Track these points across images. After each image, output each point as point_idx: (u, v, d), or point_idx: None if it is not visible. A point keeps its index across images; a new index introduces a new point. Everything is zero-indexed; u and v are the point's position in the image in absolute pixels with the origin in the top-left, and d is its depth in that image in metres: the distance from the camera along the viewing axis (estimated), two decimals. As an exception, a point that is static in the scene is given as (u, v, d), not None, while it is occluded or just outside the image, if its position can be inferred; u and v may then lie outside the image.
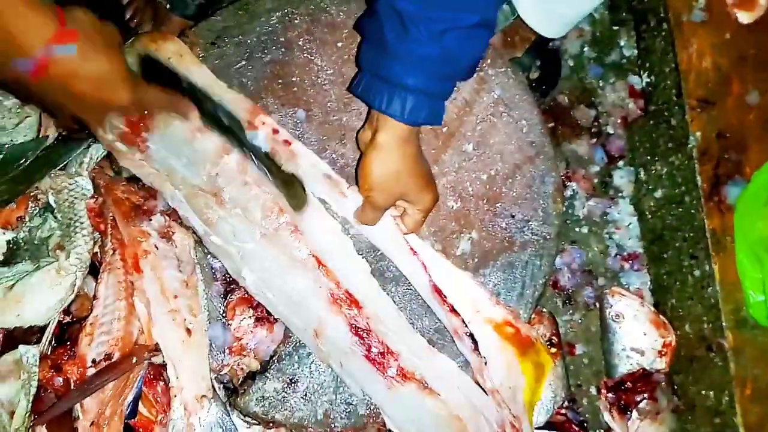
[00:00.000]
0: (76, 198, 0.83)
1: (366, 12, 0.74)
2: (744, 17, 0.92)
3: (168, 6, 1.00)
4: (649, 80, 1.01)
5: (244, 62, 0.86)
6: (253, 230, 0.79)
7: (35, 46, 0.60)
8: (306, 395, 0.80)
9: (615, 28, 1.11)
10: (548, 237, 0.87)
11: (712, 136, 0.89)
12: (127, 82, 0.69)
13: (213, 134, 0.79)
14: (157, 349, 0.78)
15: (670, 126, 0.93)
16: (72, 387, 0.76)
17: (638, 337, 0.96)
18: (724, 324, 0.85)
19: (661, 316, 0.96)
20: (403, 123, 0.71)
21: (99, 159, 0.88)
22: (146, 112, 0.79)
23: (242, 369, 0.82)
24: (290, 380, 0.80)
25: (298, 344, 0.81)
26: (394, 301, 0.83)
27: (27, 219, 0.85)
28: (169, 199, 0.82)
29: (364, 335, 0.79)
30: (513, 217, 0.86)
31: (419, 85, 0.69)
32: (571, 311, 1.04)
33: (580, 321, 1.04)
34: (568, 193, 1.06)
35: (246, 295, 0.83)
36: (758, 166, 0.87)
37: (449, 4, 0.67)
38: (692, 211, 0.90)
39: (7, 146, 0.87)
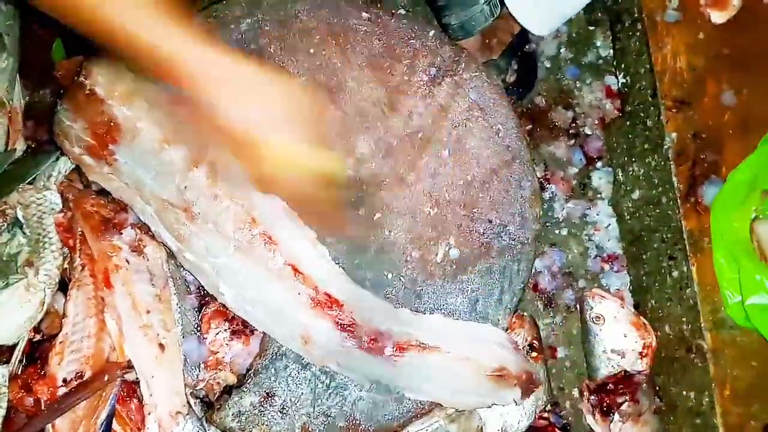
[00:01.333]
0: (44, 213, 0.81)
1: None
2: (717, 17, 0.91)
3: None
4: (624, 81, 1.00)
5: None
6: (227, 244, 0.78)
7: None
8: (283, 408, 0.79)
9: (591, 28, 1.10)
10: (526, 242, 0.86)
11: (688, 137, 0.88)
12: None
13: (180, 146, 0.77)
14: (129, 365, 0.77)
15: (646, 127, 0.93)
16: (43, 407, 0.74)
17: (619, 338, 0.96)
18: (702, 325, 0.85)
19: (641, 318, 0.96)
20: None
21: (67, 172, 0.86)
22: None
23: (218, 383, 0.81)
24: (267, 393, 0.79)
25: (274, 357, 0.80)
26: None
27: (-6, 235, 0.83)
28: (140, 214, 0.80)
29: (352, 329, 0.78)
30: (490, 222, 0.85)
31: None
32: (552, 314, 1.03)
33: (561, 324, 1.03)
34: (547, 195, 1.05)
35: (221, 308, 0.82)
36: (734, 166, 0.87)
37: None
38: (669, 212, 0.89)
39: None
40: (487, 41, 1.03)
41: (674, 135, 0.88)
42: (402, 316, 0.80)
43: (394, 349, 0.78)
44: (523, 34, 1.03)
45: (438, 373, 0.80)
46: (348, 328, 0.78)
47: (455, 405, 0.83)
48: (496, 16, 0.98)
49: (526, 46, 1.05)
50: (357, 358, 0.78)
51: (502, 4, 0.99)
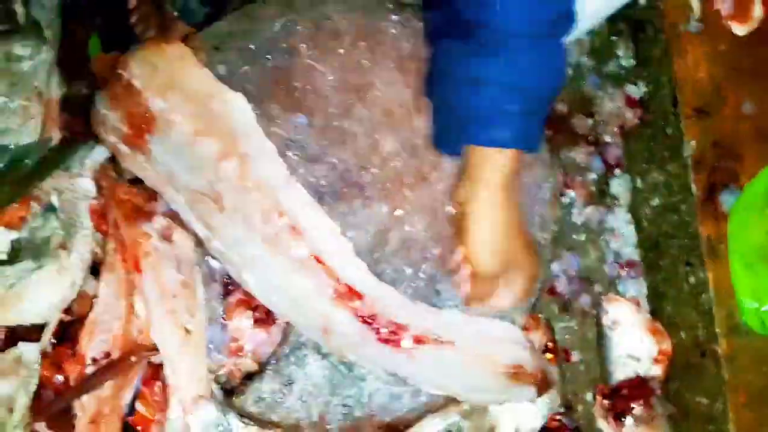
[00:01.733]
0: (78, 199, 0.84)
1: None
2: (738, 29, 0.93)
3: (177, 14, 1.01)
4: (645, 90, 1.02)
5: (247, 68, 0.87)
6: (254, 236, 0.80)
7: None
8: (302, 396, 0.80)
9: (613, 38, 1.12)
10: (544, 242, 0.88)
11: (707, 145, 0.90)
12: None
13: (211, 138, 0.80)
14: (155, 348, 0.79)
15: (666, 135, 0.95)
16: (71, 384, 0.77)
17: (634, 344, 0.97)
18: (717, 331, 0.86)
19: (657, 323, 0.97)
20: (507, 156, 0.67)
21: (102, 161, 0.89)
22: None
23: (240, 370, 0.83)
24: (287, 381, 0.80)
25: (295, 346, 0.82)
26: (392, 305, 0.84)
27: (29, 219, 0.86)
28: (171, 203, 0.83)
29: (371, 321, 0.79)
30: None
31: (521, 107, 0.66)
32: (567, 318, 1.04)
33: (576, 328, 1.04)
34: (566, 200, 1.07)
35: (245, 297, 0.84)
36: (752, 175, 0.88)
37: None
38: (687, 218, 0.91)
39: (11, 147, 0.88)
40: None
41: (693, 143, 0.90)
42: (419, 310, 0.82)
43: (412, 341, 0.80)
44: None
45: (453, 367, 0.82)
46: (368, 320, 0.79)
47: (470, 400, 0.84)
48: None
49: None
50: (375, 350, 0.80)
51: None
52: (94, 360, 0.77)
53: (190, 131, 0.82)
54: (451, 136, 0.75)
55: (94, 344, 0.77)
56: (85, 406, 0.77)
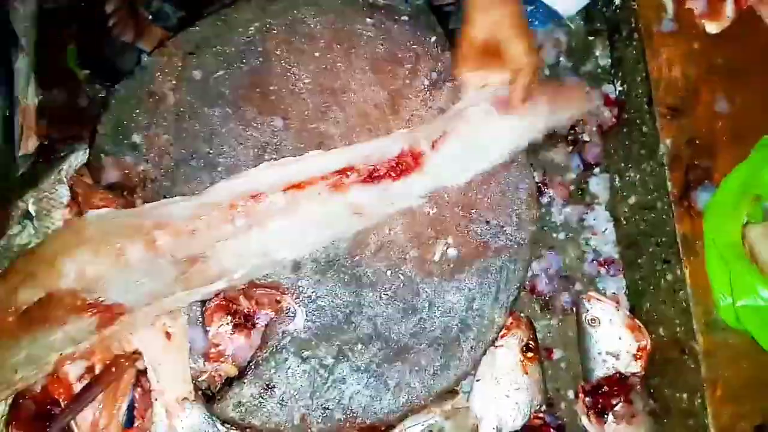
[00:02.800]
0: (54, 207, 0.84)
1: None
2: (712, 27, 0.94)
3: (150, 17, 1.01)
4: (621, 89, 1.03)
5: (222, 72, 0.87)
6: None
7: None
8: (282, 400, 0.80)
9: (590, 38, 1.13)
10: (522, 242, 0.88)
11: (682, 144, 0.90)
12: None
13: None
14: (136, 354, 0.79)
15: (642, 133, 0.95)
16: (62, 406, 0.76)
17: (614, 341, 0.97)
18: (695, 327, 0.86)
19: (636, 320, 0.98)
20: None
21: (78, 167, 0.89)
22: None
23: (220, 375, 0.83)
24: (267, 385, 0.80)
25: (275, 350, 0.82)
26: (371, 306, 0.84)
27: (6, 227, 0.86)
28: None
29: (374, 173, 0.83)
30: (488, 223, 0.88)
31: None
32: (548, 316, 1.05)
33: (557, 326, 1.05)
34: (546, 200, 1.07)
35: (223, 302, 0.84)
36: (727, 172, 0.89)
37: None
38: (664, 216, 0.91)
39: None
40: None
41: (669, 141, 0.90)
42: (400, 135, 0.86)
43: (431, 147, 0.84)
44: None
45: (471, 143, 0.85)
46: (371, 176, 0.82)
47: (492, 164, 0.88)
48: None
49: None
50: (397, 188, 0.83)
51: None
52: (79, 378, 0.77)
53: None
54: None
55: (74, 362, 0.77)
56: (80, 423, 0.76)
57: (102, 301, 0.73)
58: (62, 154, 0.91)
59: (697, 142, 0.91)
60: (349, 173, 0.81)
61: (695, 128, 0.91)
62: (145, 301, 0.75)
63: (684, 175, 0.90)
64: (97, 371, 0.77)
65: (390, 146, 0.83)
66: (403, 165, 0.83)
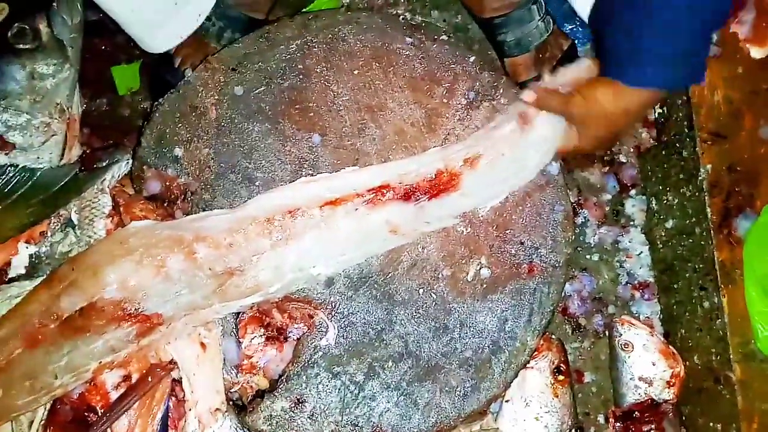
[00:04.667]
0: (96, 216, 0.86)
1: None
2: (756, 52, 0.92)
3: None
4: (661, 111, 1.02)
5: (262, 88, 0.89)
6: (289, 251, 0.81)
7: None
8: (312, 415, 0.81)
9: (629, 58, 1.12)
10: (557, 265, 0.88)
11: (723, 169, 0.89)
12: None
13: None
14: (171, 364, 0.80)
15: (682, 157, 0.94)
16: (99, 413, 0.78)
17: (647, 366, 0.96)
18: (731, 357, 0.85)
19: (670, 347, 0.96)
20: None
21: (121, 177, 0.91)
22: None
23: (252, 387, 0.84)
24: (298, 400, 0.81)
25: (306, 364, 0.82)
26: (403, 324, 0.85)
27: (49, 234, 0.88)
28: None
29: (410, 191, 0.83)
30: (522, 243, 0.87)
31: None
32: (580, 338, 1.04)
33: (589, 349, 1.04)
34: (580, 220, 1.07)
35: (257, 314, 0.85)
36: (769, 200, 0.87)
37: None
38: (702, 242, 0.90)
39: (37, 171, 0.90)
40: (540, 56, 1.05)
41: (709, 167, 0.89)
42: (435, 154, 0.86)
43: (468, 166, 0.84)
44: (573, 49, 1.06)
45: (505, 163, 0.85)
46: (407, 194, 0.82)
47: (525, 180, 0.88)
48: (549, 32, 1.01)
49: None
50: (433, 207, 0.83)
51: (554, 19, 1.02)
52: (116, 386, 0.78)
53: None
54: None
55: (112, 370, 0.78)
56: (117, 430, 0.78)
57: (142, 311, 0.75)
58: (105, 164, 0.93)
59: (739, 168, 0.89)
60: (385, 191, 0.82)
61: (737, 154, 0.89)
62: (183, 312, 0.77)
63: (724, 202, 0.88)
64: (133, 380, 0.78)
65: (427, 165, 0.83)
66: (440, 184, 0.83)
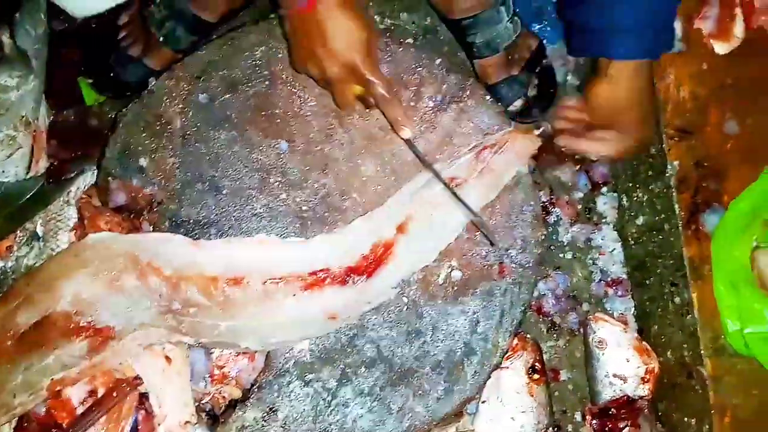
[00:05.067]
0: (60, 228, 0.85)
1: None
2: (720, 48, 0.93)
3: (161, 39, 1.02)
4: (629, 108, 1.02)
5: (228, 95, 0.88)
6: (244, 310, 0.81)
7: None
8: (285, 424, 0.81)
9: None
10: (527, 265, 0.88)
11: (690, 165, 0.89)
12: (371, 50, 0.76)
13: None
14: (138, 378, 0.79)
15: (650, 154, 0.94)
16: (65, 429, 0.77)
17: (621, 363, 0.96)
18: (702, 352, 0.85)
19: (644, 343, 0.97)
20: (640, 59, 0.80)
21: (86, 188, 0.90)
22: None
23: (224, 397, 0.84)
24: (270, 409, 0.81)
25: (278, 373, 0.82)
26: (375, 329, 0.84)
27: (15, 248, 0.87)
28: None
29: (348, 273, 0.82)
30: (492, 245, 0.87)
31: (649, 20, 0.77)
32: (555, 337, 1.04)
33: (564, 347, 1.04)
34: (552, 219, 1.07)
35: (228, 324, 0.84)
36: (736, 195, 0.88)
37: None
38: (671, 238, 0.90)
39: (4, 184, 0.90)
40: (509, 57, 1.05)
41: (676, 163, 0.89)
42: (366, 226, 0.85)
43: (399, 231, 0.84)
44: (541, 50, 1.06)
45: (436, 226, 0.85)
46: (344, 277, 0.81)
47: (455, 234, 0.87)
48: (518, 32, 1.01)
49: (543, 61, 1.07)
50: (371, 285, 0.82)
51: (522, 20, 1.02)
52: (82, 402, 0.77)
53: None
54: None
55: (77, 385, 0.77)
56: None
57: (93, 324, 0.74)
58: (71, 176, 0.92)
59: (706, 164, 0.89)
60: (324, 276, 0.81)
61: (704, 150, 0.90)
62: (134, 327, 0.76)
63: (692, 197, 0.89)
64: (99, 395, 0.77)
65: (362, 241, 0.83)
66: (376, 259, 0.82)
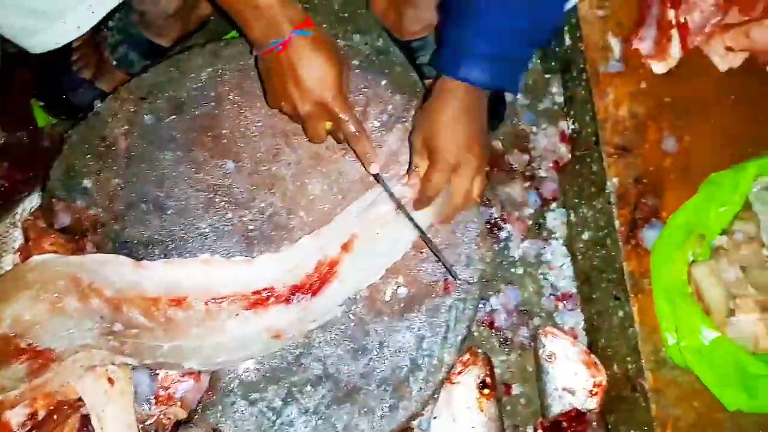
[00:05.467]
0: (5, 251, 0.85)
1: None
2: (658, 67, 0.96)
3: (115, 63, 1.02)
4: (573, 127, 1.04)
5: (174, 116, 0.89)
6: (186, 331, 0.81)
7: (286, 29, 0.74)
8: (229, 445, 0.81)
9: (547, 76, 1.15)
10: (472, 281, 0.89)
11: (630, 182, 0.92)
12: (342, 87, 0.79)
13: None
14: (80, 400, 0.79)
15: (592, 171, 0.96)
16: None
17: (569, 376, 0.97)
18: (644, 365, 0.87)
19: (592, 356, 0.98)
20: (482, 87, 0.77)
21: (33, 210, 0.90)
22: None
23: (169, 419, 0.83)
24: (213, 430, 0.81)
25: (222, 393, 0.82)
26: (321, 347, 0.85)
27: (-42, 271, 0.86)
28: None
29: (292, 291, 0.83)
30: (438, 262, 0.88)
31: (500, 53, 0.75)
32: (507, 351, 1.05)
33: (516, 361, 1.05)
34: (504, 235, 1.08)
35: (174, 344, 0.84)
36: (674, 211, 0.90)
37: None
38: (613, 253, 0.92)
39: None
40: None
41: (615, 180, 0.91)
42: (312, 243, 0.86)
43: (344, 250, 0.84)
44: None
45: (382, 245, 0.86)
46: (288, 296, 0.82)
47: (400, 254, 0.88)
48: None
49: None
50: (316, 304, 0.83)
51: None
52: (21, 425, 0.77)
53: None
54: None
55: (16, 409, 0.77)
56: None
57: (34, 346, 0.74)
58: (19, 197, 0.92)
59: (645, 180, 0.92)
60: (268, 295, 0.82)
61: (642, 167, 0.92)
62: (75, 349, 0.76)
63: (631, 213, 0.91)
64: (40, 418, 0.77)
65: (306, 258, 0.84)
66: (320, 277, 0.83)
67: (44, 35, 0.78)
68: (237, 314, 0.80)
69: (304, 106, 0.79)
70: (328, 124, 0.82)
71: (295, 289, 0.82)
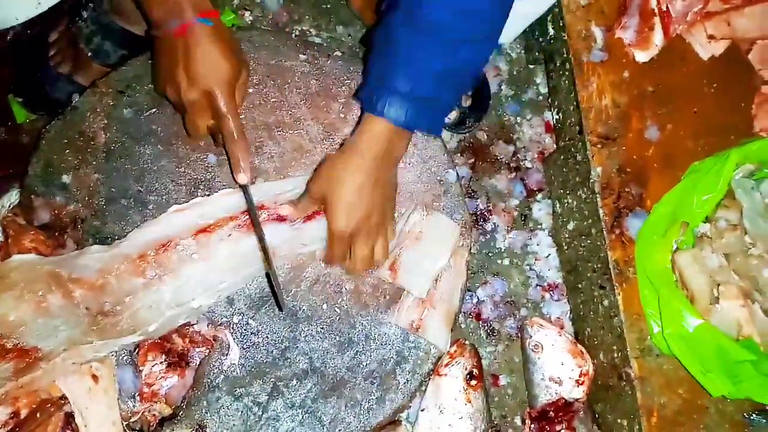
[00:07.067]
0: (-17, 248, 0.83)
1: (378, 24, 0.77)
2: (641, 56, 0.96)
3: (90, 54, 1.01)
4: (557, 117, 1.04)
5: (154, 109, 0.88)
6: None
7: (189, 13, 0.74)
8: (214, 441, 0.80)
9: (531, 66, 1.15)
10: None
11: (614, 171, 0.92)
12: (232, 85, 0.78)
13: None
14: (64, 398, 0.78)
15: (576, 161, 0.96)
16: None
17: (556, 366, 0.97)
18: (629, 353, 0.87)
19: (578, 346, 0.98)
20: (401, 126, 0.74)
21: (12, 207, 0.88)
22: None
23: (154, 415, 0.82)
24: (199, 426, 0.80)
25: (207, 389, 0.81)
26: (307, 341, 0.84)
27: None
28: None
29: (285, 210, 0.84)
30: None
31: (424, 93, 0.73)
32: (494, 343, 1.05)
33: (503, 352, 1.05)
34: (490, 226, 1.08)
35: (158, 341, 0.83)
36: (658, 199, 0.90)
37: (468, 17, 0.70)
38: (598, 243, 0.92)
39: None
40: None
41: (599, 169, 0.92)
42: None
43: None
44: None
45: None
46: (282, 215, 0.83)
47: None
48: None
49: None
50: (308, 229, 0.83)
51: None
52: (3, 424, 0.75)
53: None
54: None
55: (-2, 408, 0.76)
56: None
57: (20, 345, 0.73)
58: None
59: (628, 169, 0.92)
60: (260, 212, 0.81)
61: (626, 156, 0.92)
62: (63, 347, 0.75)
63: (615, 202, 0.91)
64: (22, 416, 0.76)
65: (301, 185, 0.83)
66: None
67: (4, 9, 0.76)
68: (230, 234, 0.80)
69: (190, 93, 0.76)
70: (210, 121, 0.80)
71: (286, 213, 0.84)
